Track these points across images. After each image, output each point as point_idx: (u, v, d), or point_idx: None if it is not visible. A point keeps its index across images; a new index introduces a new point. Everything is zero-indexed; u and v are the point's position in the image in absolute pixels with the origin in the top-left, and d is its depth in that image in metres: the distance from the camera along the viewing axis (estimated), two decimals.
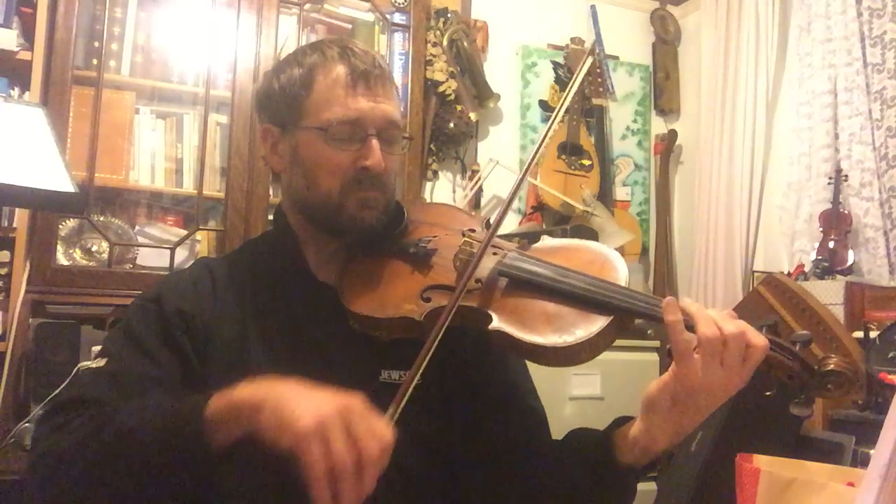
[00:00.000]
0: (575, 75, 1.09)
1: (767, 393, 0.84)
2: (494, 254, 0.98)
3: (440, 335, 0.88)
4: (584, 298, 0.89)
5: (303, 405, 0.75)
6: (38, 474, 0.87)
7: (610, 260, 0.97)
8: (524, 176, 1.08)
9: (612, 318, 0.87)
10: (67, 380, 1.89)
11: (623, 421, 0.93)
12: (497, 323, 0.90)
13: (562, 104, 1.08)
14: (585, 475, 0.93)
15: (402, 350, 0.94)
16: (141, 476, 0.82)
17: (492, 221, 1.02)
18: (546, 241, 1.05)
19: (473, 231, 1.05)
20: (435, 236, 1.05)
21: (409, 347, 0.95)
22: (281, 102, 1.05)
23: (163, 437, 0.81)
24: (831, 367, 0.82)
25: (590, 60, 1.06)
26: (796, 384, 0.83)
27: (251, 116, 2.37)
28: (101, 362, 0.97)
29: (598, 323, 0.86)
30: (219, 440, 0.80)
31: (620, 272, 0.94)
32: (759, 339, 0.82)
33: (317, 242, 1.08)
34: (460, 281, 0.93)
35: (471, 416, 1.04)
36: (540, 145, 1.13)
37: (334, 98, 1.01)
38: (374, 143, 1.01)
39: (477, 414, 1.04)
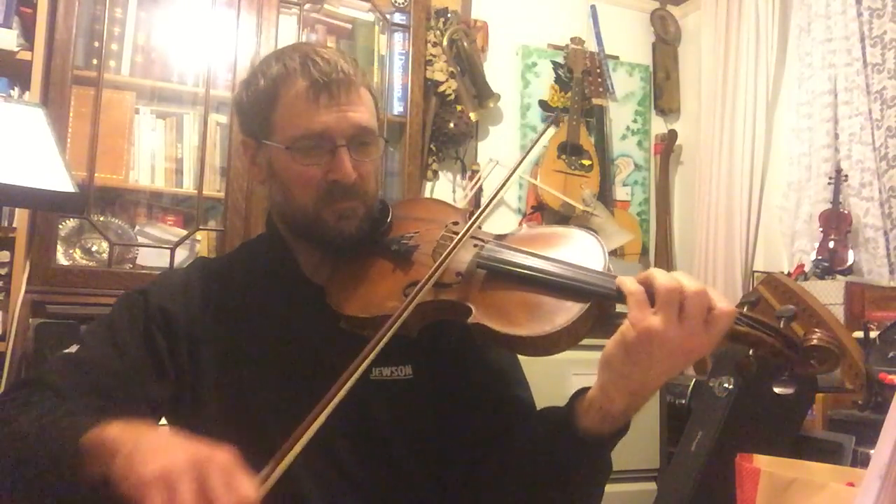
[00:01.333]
0: (536, 138, 1.10)
1: (748, 371, 0.81)
2: (475, 245, 0.98)
3: (397, 323, 0.87)
4: (561, 286, 0.88)
5: (156, 454, 0.70)
6: None
7: (588, 245, 0.96)
8: (509, 178, 1.08)
9: (589, 303, 0.86)
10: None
11: (586, 390, 0.90)
12: (475, 316, 0.90)
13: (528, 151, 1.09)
14: (547, 445, 0.91)
15: (394, 347, 0.94)
16: (19, 481, 0.83)
17: (510, 222, 1.01)
18: (525, 229, 1.05)
19: (457, 223, 1.05)
20: (417, 232, 1.05)
21: (401, 344, 0.95)
22: (252, 116, 1.05)
23: (39, 450, 0.81)
24: (814, 342, 0.80)
25: (551, 130, 1.07)
26: (780, 361, 0.81)
27: None
28: (74, 348, 0.98)
29: (574, 310, 0.86)
30: (88, 470, 0.77)
31: (599, 256, 0.93)
32: (724, 304, 0.79)
33: (305, 248, 1.08)
34: (445, 272, 0.93)
35: (458, 408, 1.04)
36: (521, 159, 1.14)
37: (297, 114, 0.99)
38: (343, 153, 0.99)
39: (463, 406, 1.04)
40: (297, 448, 0.78)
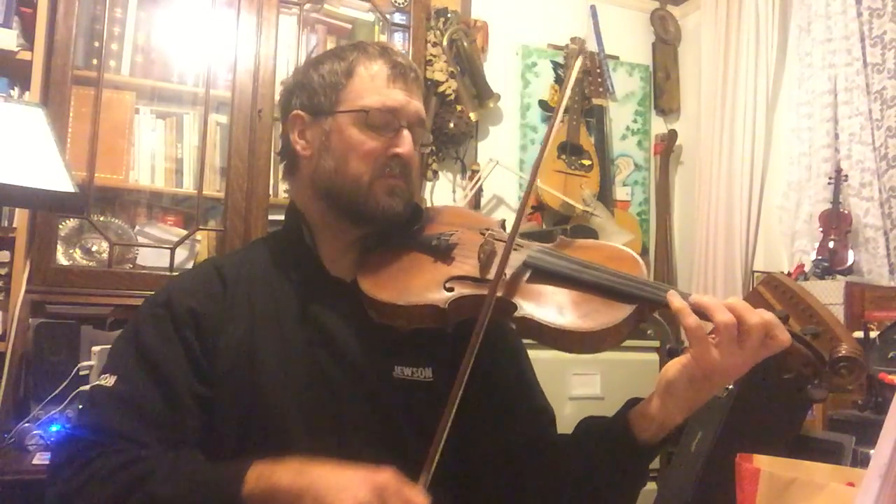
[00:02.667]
0: (567, 74, 1.13)
1: (786, 376, 0.87)
2: (516, 250, 1.00)
3: (483, 329, 0.90)
4: (608, 289, 0.92)
5: (341, 492, 0.79)
6: None
7: (629, 256, 1.01)
8: (534, 179, 1.10)
9: (635, 306, 0.90)
10: (83, 401, 1.90)
11: (634, 402, 0.96)
12: (522, 311, 0.92)
13: (561, 101, 1.11)
14: (604, 455, 0.95)
15: (416, 346, 0.95)
16: None
17: (509, 221, 1.06)
18: (562, 239, 1.08)
19: (489, 230, 1.08)
20: (456, 231, 1.08)
21: (424, 344, 0.95)
22: (318, 90, 1.08)
23: None
24: (843, 352, 0.85)
25: (580, 61, 1.11)
26: (810, 371, 0.86)
27: (251, 116, 2.37)
28: (111, 381, 0.97)
29: (622, 311, 0.90)
30: None
31: (640, 268, 0.98)
32: (783, 335, 0.84)
33: (334, 234, 1.08)
34: (488, 270, 0.96)
35: (486, 414, 1.05)
36: (545, 145, 1.15)
37: (374, 88, 1.05)
38: (407, 132, 1.05)
39: (491, 412, 1.06)
40: (440, 449, 0.85)
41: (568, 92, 1.14)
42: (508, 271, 0.97)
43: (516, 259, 0.98)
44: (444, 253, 1.03)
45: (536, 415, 1.09)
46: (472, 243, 1.04)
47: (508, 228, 1.06)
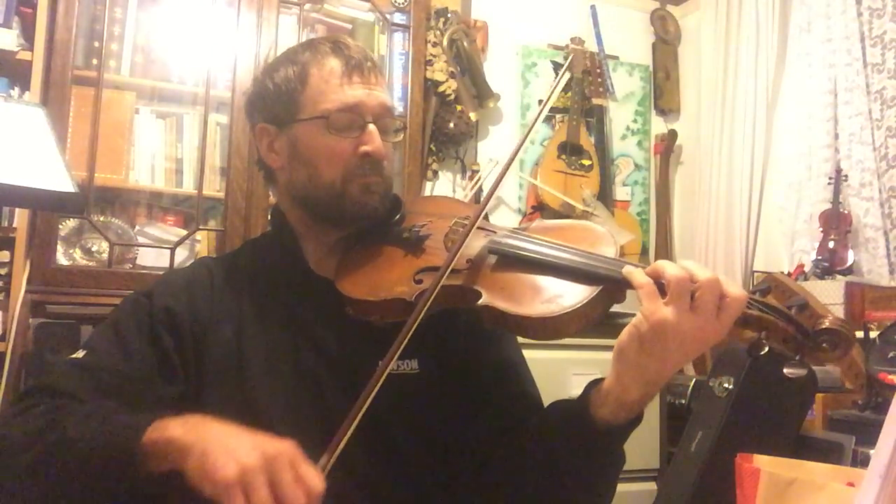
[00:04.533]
0: (555, 81, 1.12)
1: (761, 353, 0.81)
2: (486, 235, 0.99)
3: (426, 306, 0.88)
4: (573, 270, 0.89)
5: (227, 454, 0.75)
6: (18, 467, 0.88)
7: (599, 235, 0.97)
8: (510, 163, 1.09)
9: (600, 287, 0.86)
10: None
11: (600, 381, 0.91)
12: (485, 299, 0.90)
13: (546, 101, 1.10)
14: (563, 436, 0.91)
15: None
16: (75, 484, 0.84)
17: (510, 221, 1.02)
18: (539, 223, 1.06)
19: (467, 218, 1.05)
20: (429, 221, 1.06)
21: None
22: (276, 100, 1.06)
23: (98, 454, 0.82)
24: (826, 325, 0.80)
25: (567, 76, 1.10)
26: (791, 347, 0.81)
27: None
28: (80, 354, 0.99)
29: (585, 293, 0.86)
30: (150, 467, 0.81)
31: (611, 246, 0.94)
32: (735, 290, 0.80)
33: (316, 236, 1.09)
34: (447, 258, 0.94)
35: (465, 402, 1.04)
36: (525, 136, 1.15)
37: (330, 89, 1.03)
38: (373, 128, 1.03)
39: (470, 401, 1.05)
40: (348, 435, 0.82)
41: (554, 95, 1.12)
42: (473, 257, 0.95)
43: (480, 244, 0.97)
44: (415, 245, 1.03)
45: (515, 400, 1.06)
46: (442, 231, 1.03)
47: (501, 224, 1.04)
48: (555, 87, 1.18)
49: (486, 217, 1.03)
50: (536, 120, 1.21)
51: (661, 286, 0.81)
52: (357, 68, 1.04)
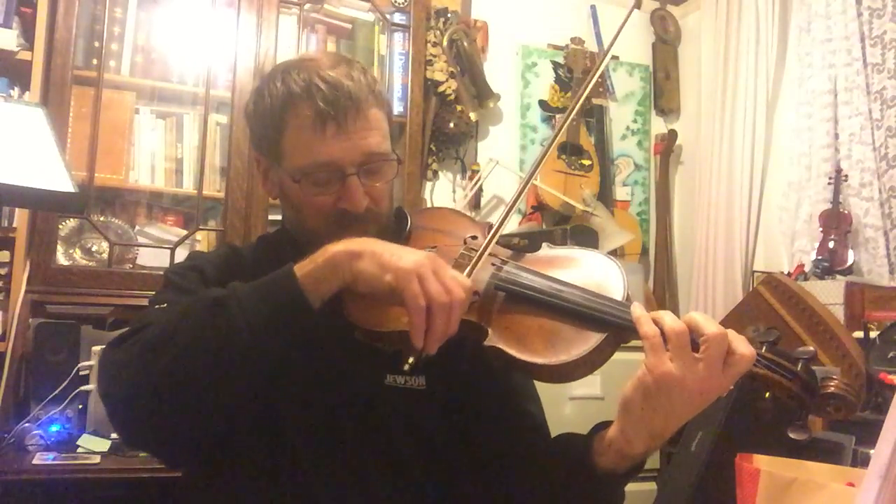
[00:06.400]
0: (591, 75, 1.09)
1: (766, 416, 0.82)
2: (493, 264, 0.97)
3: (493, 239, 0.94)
4: (580, 314, 0.87)
5: (398, 253, 0.86)
6: (134, 364, 0.85)
7: (608, 271, 0.95)
8: (528, 182, 1.07)
9: (606, 334, 0.85)
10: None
11: (606, 425, 0.91)
12: (492, 339, 0.89)
13: (576, 101, 1.08)
14: (563, 479, 0.92)
15: None
16: (240, 345, 0.83)
17: (492, 229, 1.00)
18: (545, 251, 1.03)
19: (475, 238, 1.04)
20: (435, 247, 1.03)
21: None
22: (261, 134, 1.04)
23: (262, 305, 0.84)
24: (831, 389, 0.79)
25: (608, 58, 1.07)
26: (796, 404, 0.81)
27: None
28: (157, 307, 0.96)
29: (592, 340, 0.85)
30: (314, 299, 0.86)
31: (618, 284, 0.92)
32: (745, 348, 0.79)
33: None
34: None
35: (469, 420, 1.05)
36: (549, 147, 1.13)
37: (303, 144, 0.98)
38: (353, 183, 0.98)
39: (475, 419, 1.05)
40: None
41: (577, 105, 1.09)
42: (481, 292, 0.93)
43: (487, 276, 0.95)
44: None
45: (518, 420, 1.06)
46: (450, 259, 1.00)
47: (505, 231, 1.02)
48: (595, 73, 1.14)
49: (496, 234, 1.00)
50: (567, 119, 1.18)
51: (658, 326, 0.81)
52: (331, 119, 0.96)
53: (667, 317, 0.81)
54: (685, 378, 0.78)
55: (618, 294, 0.91)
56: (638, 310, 0.83)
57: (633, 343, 0.87)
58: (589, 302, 0.88)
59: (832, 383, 0.80)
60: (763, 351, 0.82)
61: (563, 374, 0.86)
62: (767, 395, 0.81)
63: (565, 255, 1.02)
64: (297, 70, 1.01)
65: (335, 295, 0.87)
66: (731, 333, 0.79)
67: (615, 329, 0.85)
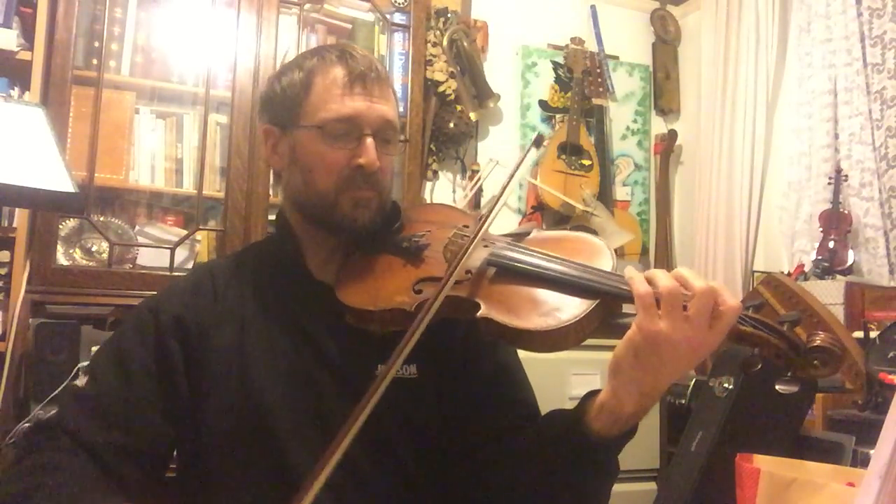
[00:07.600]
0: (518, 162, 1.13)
1: (755, 369, 0.82)
2: (486, 246, 0.99)
3: (427, 318, 0.88)
4: (571, 283, 0.89)
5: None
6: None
7: (597, 248, 0.98)
8: (509, 181, 1.09)
9: (597, 301, 0.87)
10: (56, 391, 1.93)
11: (597, 392, 0.91)
12: (484, 310, 0.90)
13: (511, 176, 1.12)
14: (557, 447, 0.92)
15: (397, 346, 0.94)
16: None
17: (509, 223, 1.02)
18: (537, 233, 1.06)
19: (467, 227, 1.07)
20: (428, 231, 1.06)
21: None
22: (281, 104, 1.07)
23: None
24: (817, 342, 0.80)
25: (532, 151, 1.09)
26: (783, 363, 0.82)
27: (251, 116, 2.37)
28: (84, 381, 1.00)
29: (582, 306, 0.87)
30: None
31: (608, 259, 0.95)
32: (730, 299, 0.80)
33: (315, 241, 1.10)
34: (448, 270, 0.94)
35: (461, 407, 1.05)
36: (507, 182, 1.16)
37: (331, 98, 1.03)
38: (369, 141, 1.02)
39: (467, 406, 1.05)
40: (347, 440, 0.81)
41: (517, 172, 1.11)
42: (473, 270, 0.96)
43: (480, 256, 0.97)
44: (414, 255, 1.03)
45: (510, 406, 1.06)
46: (442, 241, 1.03)
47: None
48: (522, 159, 1.23)
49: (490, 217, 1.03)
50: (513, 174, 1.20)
51: (651, 284, 0.82)
52: (360, 79, 1.04)
53: (660, 274, 0.82)
54: (674, 332, 0.79)
55: (607, 267, 0.93)
56: (631, 270, 0.85)
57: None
58: (579, 271, 0.90)
59: (817, 337, 0.81)
60: (749, 312, 0.84)
61: (555, 340, 0.87)
62: (755, 351, 0.83)
63: (555, 235, 1.06)
64: (329, 46, 1.11)
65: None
66: (717, 286, 0.81)
67: (606, 296, 0.87)
